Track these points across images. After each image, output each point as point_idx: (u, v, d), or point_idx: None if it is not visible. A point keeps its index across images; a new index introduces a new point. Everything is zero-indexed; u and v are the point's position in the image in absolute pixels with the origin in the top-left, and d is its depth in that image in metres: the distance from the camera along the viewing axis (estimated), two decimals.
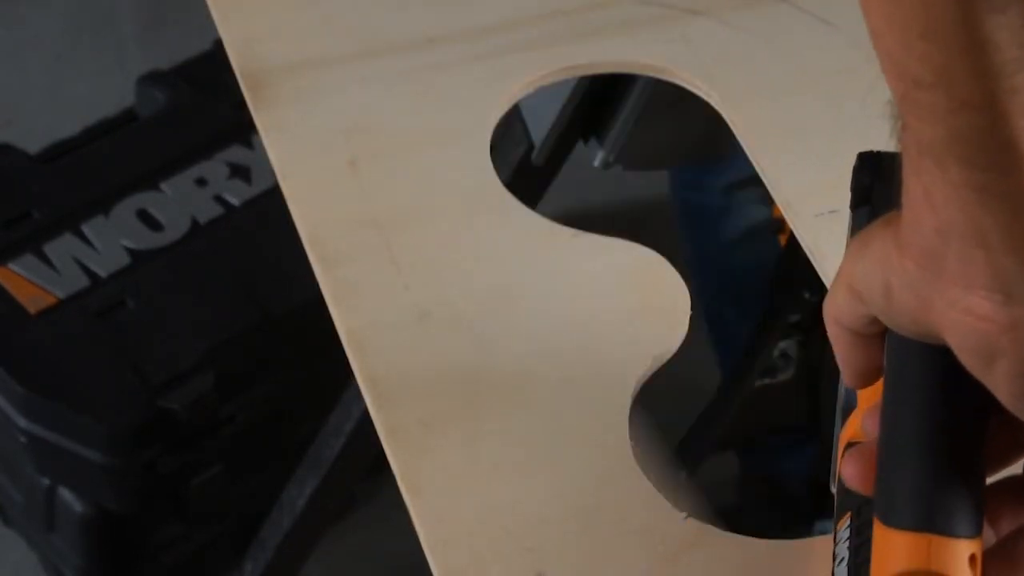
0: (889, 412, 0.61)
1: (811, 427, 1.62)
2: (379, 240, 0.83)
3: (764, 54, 0.93)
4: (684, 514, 0.72)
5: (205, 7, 0.95)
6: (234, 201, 1.63)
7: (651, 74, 0.94)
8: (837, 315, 0.61)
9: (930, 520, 0.58)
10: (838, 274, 0.61)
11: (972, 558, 0.58)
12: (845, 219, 0.68)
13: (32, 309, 1.53)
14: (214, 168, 1.66)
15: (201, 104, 1.71)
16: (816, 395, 1.59)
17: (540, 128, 1.16)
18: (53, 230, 1.59)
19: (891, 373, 0.61)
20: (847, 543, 0.63)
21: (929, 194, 0.53)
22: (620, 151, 1.14)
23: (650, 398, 0.80)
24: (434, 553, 0.71)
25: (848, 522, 0.63)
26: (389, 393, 0.77)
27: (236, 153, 1.67)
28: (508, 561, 0.71)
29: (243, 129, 1.65)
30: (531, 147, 1.18)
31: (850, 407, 0.66)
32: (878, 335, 0.61)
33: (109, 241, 1.59)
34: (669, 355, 0.79)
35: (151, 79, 1.75)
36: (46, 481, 1.55)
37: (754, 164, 0.88)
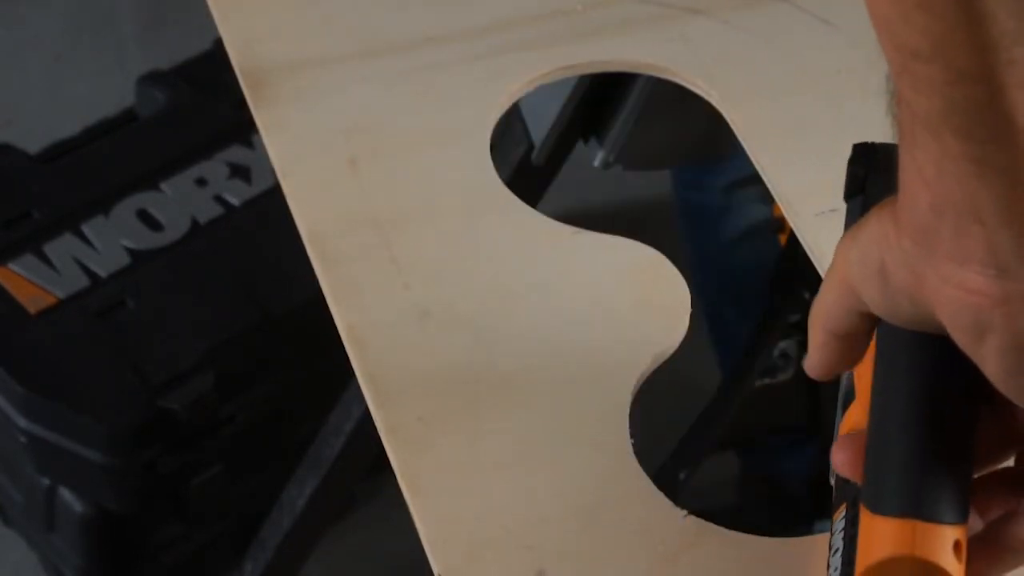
0: (878, 400, 0.61)
1: (811, 427, 1.62)
2: (379, 239, 0.83)
3: (764, 53, 0.93)
4: (684, 512, 0.73)
5: (205, 7, 0.95)
6: (234, 201, 1.63)
7: (651, 73, 0.94)
8: (824, 319, 0.61)
9: (915, 506, 0.59)
10: (828, 273, 0.61)
11: (957, 544, 0.59)
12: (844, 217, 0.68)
13: (32, 309, 1.53)
14: (214, 168, 1.66)
15: (201, 104, 1.71)
16: (816, 395, 1.59)
17: (540, 128, 1.17)
18: (53, 230, 1.59)
19: (881, 363, 0.62)
20: (842, 533, 0.63)
21: (924, 168, 0.54)
22: (620, 151, 1.14)
23: (650, 397, 0.80)
24: (434, 551, 0.71)
25: (844, 512, 0.63)
26: (389, 391, 0.77)
27: (236, 153, 1.67)
28: (508, 559, 0.71)
29: (243, 129, 1.65)
30: (531, 147, 1.18)
31: (850, 399, 0.66)
32: (860, 336, 0.61)
33: (109, 241, 1.59)
34: (669, 353, 0.79)
35: (151, 79, 1.75)
36: (46, 481, 1.55)
37: (754, 163, 0.88)
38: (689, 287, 0.82)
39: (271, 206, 1.58)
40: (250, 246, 1.60)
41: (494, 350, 0.78)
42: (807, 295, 1.42)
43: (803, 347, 1.54)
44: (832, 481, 0.66)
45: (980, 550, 0.61)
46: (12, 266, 1.56)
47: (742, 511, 1.69)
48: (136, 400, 1.48)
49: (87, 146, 1.69)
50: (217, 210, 1.63)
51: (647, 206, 1.89)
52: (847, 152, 0.69)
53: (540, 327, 0.80)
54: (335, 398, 1.32)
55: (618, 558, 0.71)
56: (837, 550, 0.63)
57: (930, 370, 0.60)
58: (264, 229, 1.60)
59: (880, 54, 0.54)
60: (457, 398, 0.76)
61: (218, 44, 1.21)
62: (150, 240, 1.60)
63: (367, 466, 1.34)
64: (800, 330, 1.52)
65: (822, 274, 0.82)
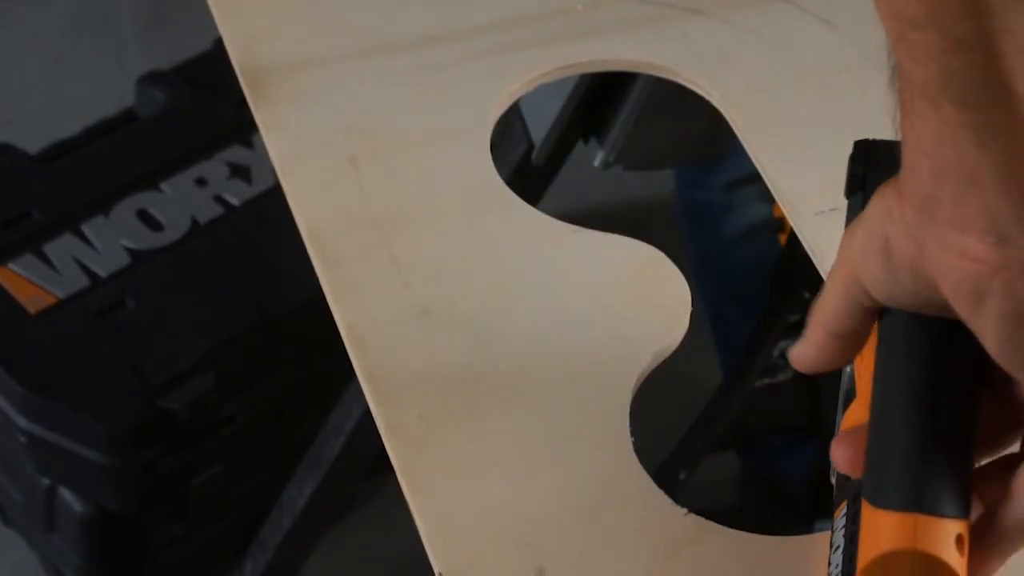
0: (879, 394, 0.61)
1: (811, 426, 1.62)
2: (379, 238, 0.83)
3: (764, 53, 0.93)
4: (684, 510, 0.73)
5: (205, 7, 0.95)
6: (234, 201, 1.63)
7: (651, 73, 0.94)
8: (825, 319, 0.62)
9: (917, 500, 0.58)
10: (832, 272, 0.61)
11: (959, 538, 0.59)
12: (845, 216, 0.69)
13: (32, 309, 1.53)
14: (214, 168, 1.66)
15: (201, 104, 1.71)
16: (816, 395, 1.59)
17: (540, 128, 1.17)
18: (53, 230, 1.59)
19: (882, 356, 0.62)
20: (843, 530, 0.63)
21: (923, 137, 0.54)
22: (620, 151, 1.14)
23: (650, 396, 0.80)
24: (434, 549, 0.71)
25: (844, 510, 0.63)
26: (389, 390, 0.77)
27: (236, 153, 1.67)
28: (508, 558, 0.71)
29: (243, 129, 1.65)
30: (531, 147, 1.18)
31: (851, 398, 0.66)
32: (857, 336, 0.61)
33: (109, 241, 1.59)
34: (670, 351, 0.79)
35: (151, 79, 1.75)
36: (46, 481, 1.55)
37: (754, 162, 0.88)
38: (690, 286, 0.82)
39: (271, 206, 1.58)
40: (250, 246, 1.60)
41: (494, 349, 0.78)
42: (807, 295, 1.42)
43: None
44: (832, 480, 0.66)
45: (978, 535, 0.60)
46: (12, 266, 1.56)
47: (742, 510, 1.69)
48: (136, 400, 1.48)
49: (87, 146, 1.69)
50: (217, 210, 1.63)
51: (647, 206, 1.90)
52: (847, 151, 0.69)
53: (540, 326, 0.80)
54: (335, 398, 1.32)
55: (618, 556, 0.71)
56: (838, 547, 0.63)
57: (930, 362, 0.60)
58: (264, 229, 1.60)
59: (879, 50, 0.54)
60: (457, 397, 0.76)
61: (218, 44, 1.21)
62: (150, 240, 1.60)
63: (367, 466, 1.34)
64: (800, 330, 1.52)
65: (822, 274, 0.82)
